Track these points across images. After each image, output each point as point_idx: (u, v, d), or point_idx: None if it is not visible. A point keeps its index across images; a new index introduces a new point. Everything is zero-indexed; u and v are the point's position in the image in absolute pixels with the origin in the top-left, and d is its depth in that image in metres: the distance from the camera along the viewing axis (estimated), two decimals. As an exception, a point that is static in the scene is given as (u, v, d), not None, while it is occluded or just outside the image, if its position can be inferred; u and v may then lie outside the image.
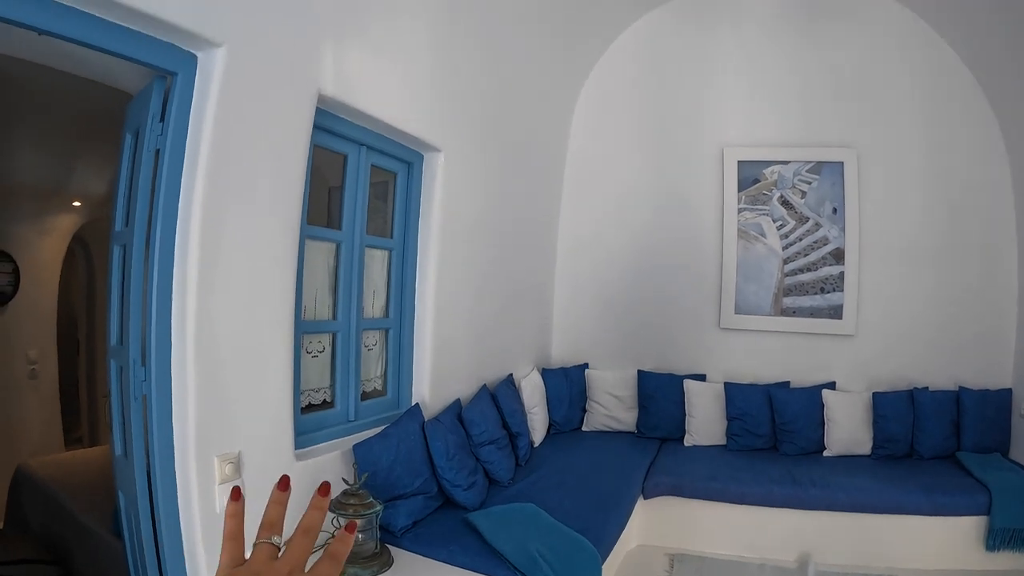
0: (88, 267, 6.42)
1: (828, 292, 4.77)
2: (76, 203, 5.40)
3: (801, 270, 4.83)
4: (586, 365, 5.10)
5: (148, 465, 2.08)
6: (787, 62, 4.95)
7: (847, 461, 4.24)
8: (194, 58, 2.08)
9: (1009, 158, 4.58)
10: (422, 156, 3.43)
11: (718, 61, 5.05)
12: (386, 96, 2.99)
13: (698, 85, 5.09)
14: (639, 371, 4.88)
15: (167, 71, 2.05)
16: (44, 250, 5.39)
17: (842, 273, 4.76)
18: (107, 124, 2.94)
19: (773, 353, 4.83)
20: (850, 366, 4.71)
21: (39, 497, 3.68)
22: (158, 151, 2.08)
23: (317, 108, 2.55)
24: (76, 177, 5.07)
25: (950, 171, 4.70)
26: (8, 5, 1.59)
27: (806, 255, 4.83)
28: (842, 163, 4.83)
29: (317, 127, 2.59)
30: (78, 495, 3.47)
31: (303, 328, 2.70)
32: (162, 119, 2.08)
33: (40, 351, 5.37)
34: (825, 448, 4.38)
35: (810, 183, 4.88)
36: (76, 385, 6.38)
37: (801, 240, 4.85)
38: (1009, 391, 4.39)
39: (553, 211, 5.21)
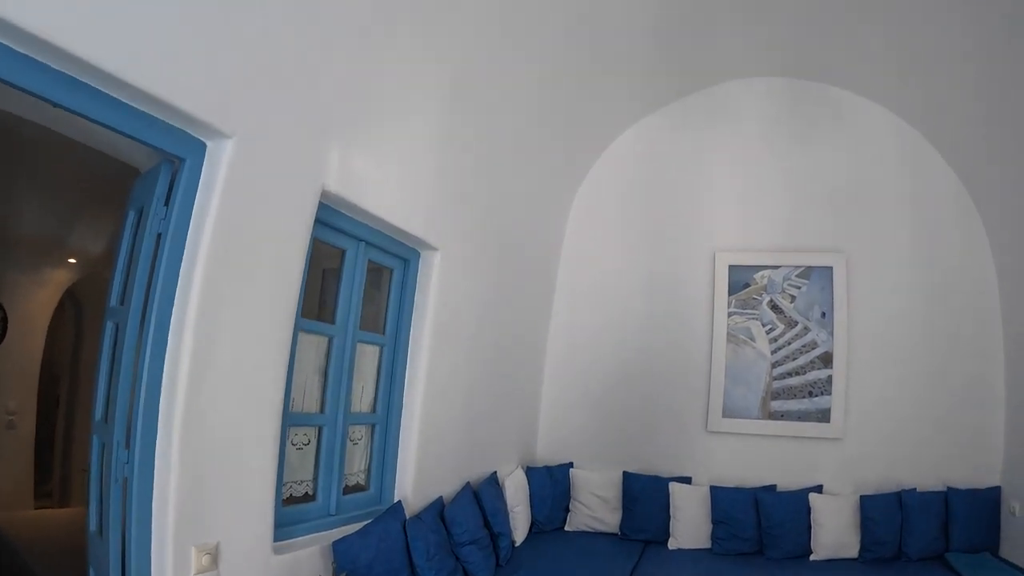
0: (77, 324, 6.52)
1: (816, 396, 4.87)
2: (72, 260, 5.56)
3: (789, 374, 4.94)
4: (571, 464, 5.14)
5: (123, 547, 2.11)
6: (779, 168, 5.20)
7: (834, 565, 4.24)
8: (203, 146, 2.22)
9: (994, 261, 4.78)
10: (419, 254, 3.61)
11: (712, 166, 5.31)
12: (388, 194, 3.17)
13: (692, 189, 5.33)
14: (624, 472, 4.92)
15: (176, 156, 2.17)
16: (35, 301, 5.51)
17: (830, 377, 4.87)
18: (112, 191, 3.08)
19: (760, 456, 4.89)
20: (837, 469, 4.76)
21: (4, 555, 3.69)
22: (160, 235, 2.18)
23: (320, 203, 2.71)
24: (75, 235, 5.24)
25: (937, 274, 4.88)
26: (25, 75, 1.68)
27: (794, 359, 4.95)
28: (831, 268, 5.01)
29: (318, 220, 2.75)
30: (45, 559, 3.48)
31: (290, 420, 2.79)
32: (167, 203, 2.19)
33: (20, 403, 5.42)
34: (812, 552, 4.38)
35: (799, 287, 5.04)
36: (52, 441, 6.39)
37: (790, 344, 4.98)
38: (998, 489, 4.44)
39: (545, 310, 5.36)
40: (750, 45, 4.91)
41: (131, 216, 2.38)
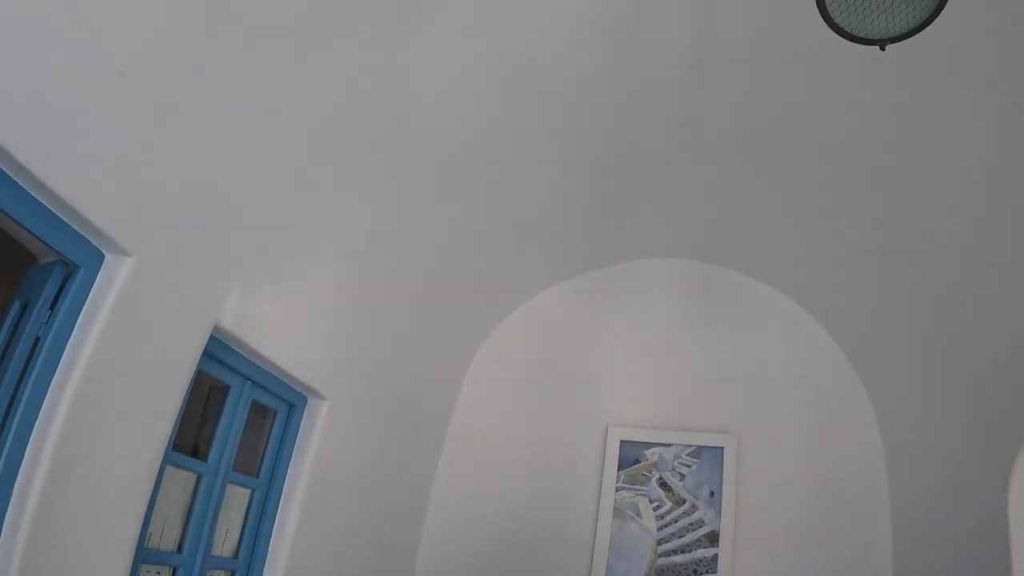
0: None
1: (701, 574, 5.01)
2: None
3: (675, 551, 5.08)
4: None
5: None
6: (676, 347, 5.61)
7: None
8: (101, 257, 2.28)
9: (883, 445, 5.17)
10: (306, 400, 3.76)
11: (611, 341, 5.68)
12: (283, 338, 3.34)
13: (589, 362, 5.65)
14: None
15: (71, 261, 2.20)
16: None
17: (716, 555, 5.03)
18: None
19: None
20: None
21: None
22: (38, 338, 2.16)
23: (212, 336, 2.88)
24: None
25: (828, 456, 5.22)
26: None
27: (680, 536, 5.11)
28: (722, 448, 5.32)
29: (207, 353, 2.90)
30: None
31: (144, 557, 2.81)
32: (52, 306, 2.19)
33: None
34: None
35: (690, 466, 5.30)
36: None
37: (677, 522, 5.16)
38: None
39: (429, 473, 5.42)
40: (658, 226, 5.45)
41: (15, 307, 2.32)
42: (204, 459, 3.19)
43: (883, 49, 2.39)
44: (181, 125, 2.43)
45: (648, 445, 5.36)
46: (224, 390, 3.29)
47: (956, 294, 4.46)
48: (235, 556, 3.41)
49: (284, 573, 3.52)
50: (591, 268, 5.90)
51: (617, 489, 5.25)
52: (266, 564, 3.50)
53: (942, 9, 2.27)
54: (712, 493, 5.22)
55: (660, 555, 5.08)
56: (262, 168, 2.91)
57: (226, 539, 3.36)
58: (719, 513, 5.15)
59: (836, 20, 2.33)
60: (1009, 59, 3.25)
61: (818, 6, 2.29)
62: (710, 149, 4.57)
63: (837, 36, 2.40)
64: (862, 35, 2.37)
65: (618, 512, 5.20)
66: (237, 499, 3.42)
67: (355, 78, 3.12)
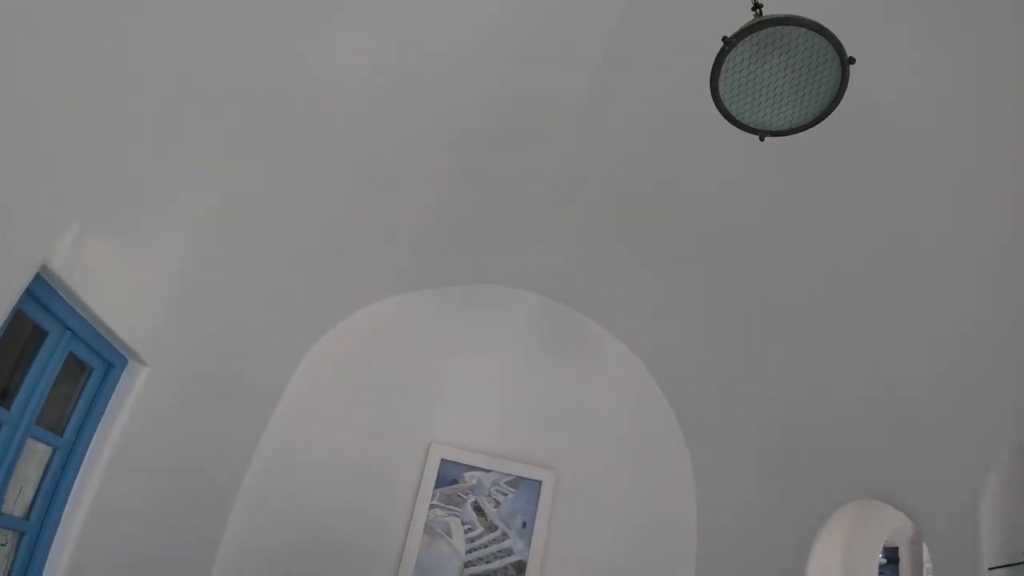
0: None
1: (504, 601, 5.20)
2: None
3: (481, 576, 5.25)
4: None
5: None
6: (513, 377, 5.91)
7: None
8: None
9: (697, 503, 5.79)
10: (127, 362, 3.61)
11: (449, 360, 5.87)
12: (115, 294, 3.20)
13: (423, 377, 5.78)
14: None
15: None
16: None
17: (521, 586, 5.26)
18: None
19: None
20: None
21: None
22: None
23: (37, 275, 2.75)
24: None
25: (644, 506, 5.72)
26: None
27: (488, 562, 5.28)
28: (540, 482, 5.59)
29: (30, 293, 2.77)
30: None
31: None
32: None
33: None
34: None
35: (506, 495, 5.52)
36: None
37: (486, 547, 5.33)
38: None
39: (243, 463, 5.26)
40: (518, 257, 5.77)
41: None
42: (8, 407, 3.01)
43: (762, 140, 2.70)
44: (41, 48, 2.33)
45: (468, 468, 5.53)
46: (43, 336, 3.14)
47: (791, 373, 5.12)
48: (26, 517, 3.18)
49: (75, 543, 3.31)
50: (442, 284, 6.09)
51: (431, 507, 5.35)
52: (58, 530, 3.29)
53: (822, 120, 2.63)
54: (525, 524, 5.45)
55: (467, 577, 5.23)
56: (124, 117, 2.85)
57: (19, 497, 3.14)
58: (528, 544, 5.38)
59: (725, 103, 2.59)
60: (868, 173, 3.90)
61: (711, 87, 2.54)
62: (586, 197, 4.98)
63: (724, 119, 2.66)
64: (746, 123, 2.64)
65: (429, 529, 5.29)
66: (37, 456, 3.22)
67: (240, 52, 3.17)
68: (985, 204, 3.60)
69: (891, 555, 8.33)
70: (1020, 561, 3.83)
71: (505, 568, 5.29)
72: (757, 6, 2.50)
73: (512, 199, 5.07)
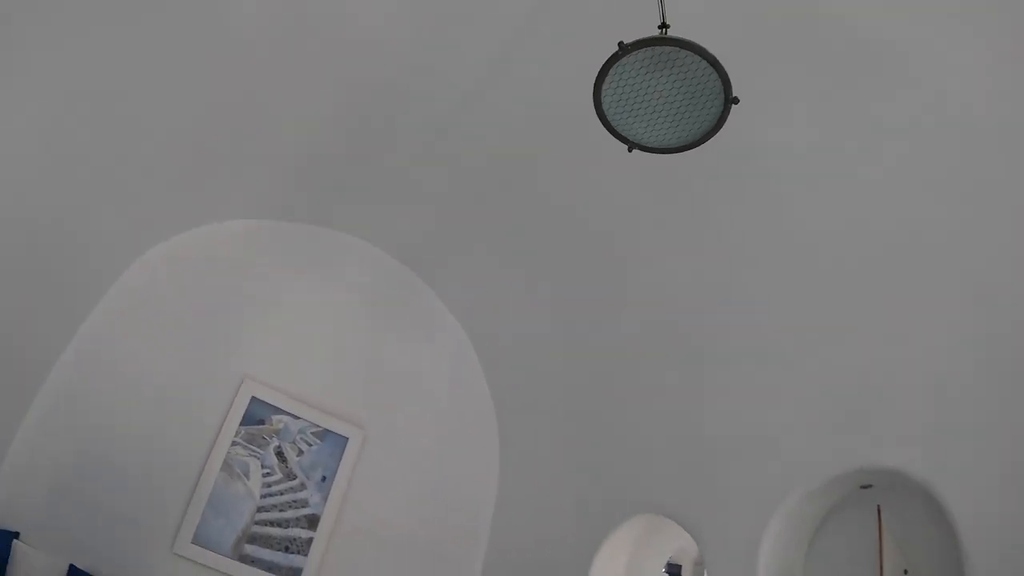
0: None
1: (292, 553, 5.15)
2: None
3: (273, 523, 5.17)
4: (17, 534, 4.49)
5: None
6: (344, 329, 5.89)
7: None
8: None
9: (497, 492, 6.02)
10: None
11: (282, 299, 5.74)
12: None
13: (247, 310, 5.59)
14: (73, 567, 4.43)
15: None
16: None
17: (311, 539, 5.23)
18: None
19: None
20: None
21: None
22: None
23: None
24: None
25: (447, 476, 5.91)
26: None
27: (281, 511, 5.23)
28: (347, 439, 5.59)
29: None
30: None
31: None
32: None
33: None
34: None
35: (311, 445, 5.48)
36: None
37: (282, 495, 5.27)
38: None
39: (44, 368, 4.84)
40: (373, 212, 5.78)
41: None
42: None
43: (630, 151, 2.79)
44: None
45: (278, 411, 5.45)
46: None
47: (606, 385, 5.44)
48: None
49: None
50: (294, 220, 5.89)
51: (233, 443, 5.23)
52: None
53: (692, 147, 2.74)
54: (324, 478, 5.45)
55: (257, 522, 5.14)
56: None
57: None
58: (325, 499, 5.38)
59: (604, 107, 2.65)
60: (723, 209, 4.23)
61: (595, 87, 2.59)
62: (454, 175, 5.07)
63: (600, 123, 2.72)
64: (620, 130, 2.71)
65: (227, 467, 5.17)
66: None
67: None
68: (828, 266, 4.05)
69: (675, 571, 8.86)
70: None
71: (298, 519, 5.26)
72: (664, 26, 2.57)
73: (384, 157, 5.08)
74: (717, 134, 2.68)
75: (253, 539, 5.10)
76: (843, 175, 3.92)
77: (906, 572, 4.17)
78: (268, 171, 5.24)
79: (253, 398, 5.38)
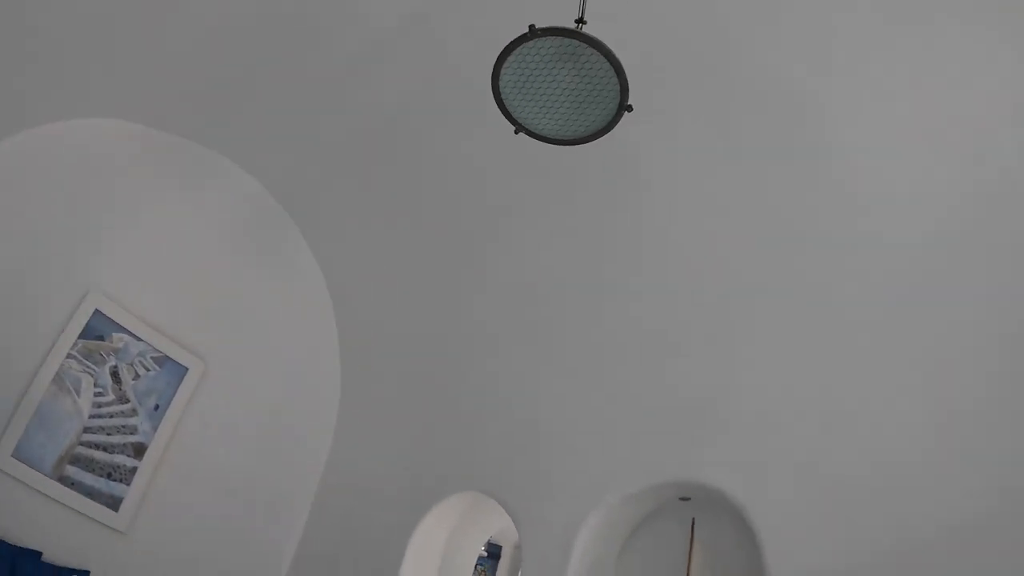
0: None
1: (115, 480, 5.06)
2: None
3: (97, 446, 5.05)
4: None
5: None
6: (199, 254, 5.75)
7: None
8: None
9: (336, 428, 6.13)
10: None
11: (137, 210, 5.47)
12: None
13: (100, 217, 5.32)
14: None
15: None
16: None
17: (136, 468, 5.16)
18: None
19: (46, 515, 4.79)
20: (111, 560, 4.98)
21: None
22: None
23: None
24: None
25: (284, 417, 6.01)
26: None
27: (109, 434, 5.11)
28: (187, 369, 5.53)
29: None
30: None
31: None
32: None
33: None
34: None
35: (149, 371, 5.36)
36: None
37: (111, 418, 5.14)
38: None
39: None
40: (249, 137, 5.57)
41: None
42: None
43: (516, 133, 2.93)
44: None
45: (120, 328, 5.29)
46: None
47: (446, 359, 5.66)
48: None
49: None
50: (160, 128, 5.49)
51: (69, 355, 5.02)
52: None
53: (577, 143, 2.92)
54: (157, 407, 5.38)
55: (82, 443, 5.01)
56: None
57: None
58: (155, 429, 5.32)
59: (501, 84, 2.73)
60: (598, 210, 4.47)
61: (497, 62, 2.67)
62: (339, 117, 5.10)
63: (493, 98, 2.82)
64: (510, 110, 2.83)
65: (59, 379, 4.96)
66: None
67: None
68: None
69: (495, 551, 9.19)
70: None
71: (124, 446, 5.16)
72: (581, 21, 2.71)
73: (282, 91, 5.03)
74: (604, 137, 2.88)
75: (76, 460, 4.96)
76: (711, 195, 4.29)
77: (713, 582, 4.58)
78: (152, 74, 4.97)
79: (96, 311, 5.16)
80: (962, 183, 3.77)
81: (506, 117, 2.90)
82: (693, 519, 4.71)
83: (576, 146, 3.02)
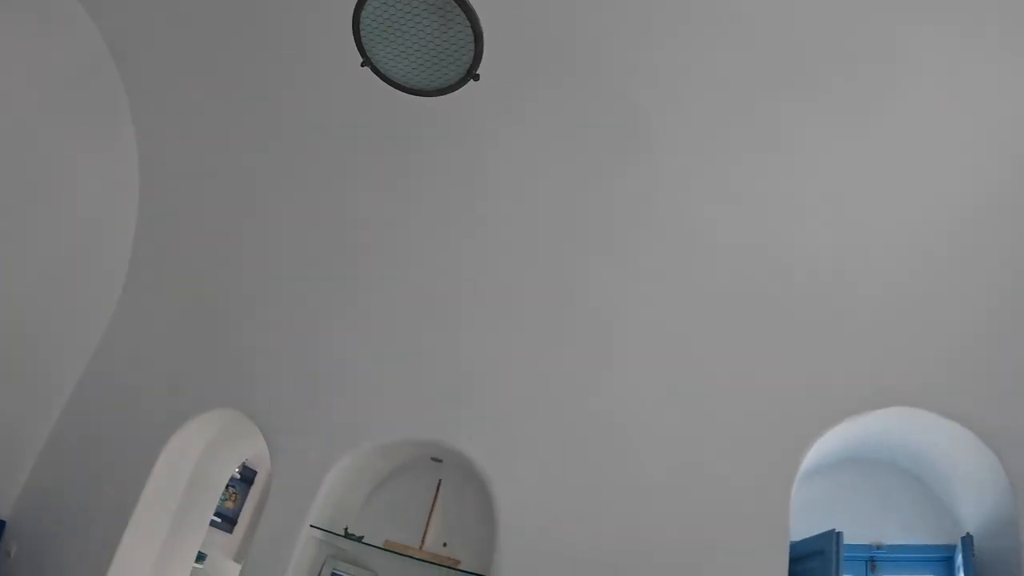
0: None
1: None
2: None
3: None
4: None
5: None
6: (23, 111, 5.20)
7: None
8: None
9: (111, 320, 5.84)
10: None
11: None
12: None
13: None
14: None
15: None
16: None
17: None
18: None
19: None
20: None
21: None
22: None
23: None
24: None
25: (63, 302, 5.68)
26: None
27: None
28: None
29: None
30: None
31: None
32: None
33: None
34: None
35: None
36: None
37: None
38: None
39: None
40: None
41: None
42: None
43: (362, 66, 2.95)
44: None
45: None
46: None
47: (237, 278, 5.65)
48: None
49: None
50: None
51: None
52: None
53: (416, 95, 2.99)
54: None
55: None
56: None
57: None
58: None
59: (362, 16, 2.75)
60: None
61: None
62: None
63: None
64: (363, 42, 2.86)
65: None
66: None
67: None
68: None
69: (249, 475, 9.13)
70: (337, 532, 4.76)
71: None
72: None
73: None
74: (445, 97, 3.03)
75: None
76: (532, 191, 4.49)
77: (445, 545, 4.84)
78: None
79: None
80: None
81: (358, 48, 2.91)
82: (440, 481, 4.95)
83: (415, 97, 3.08)
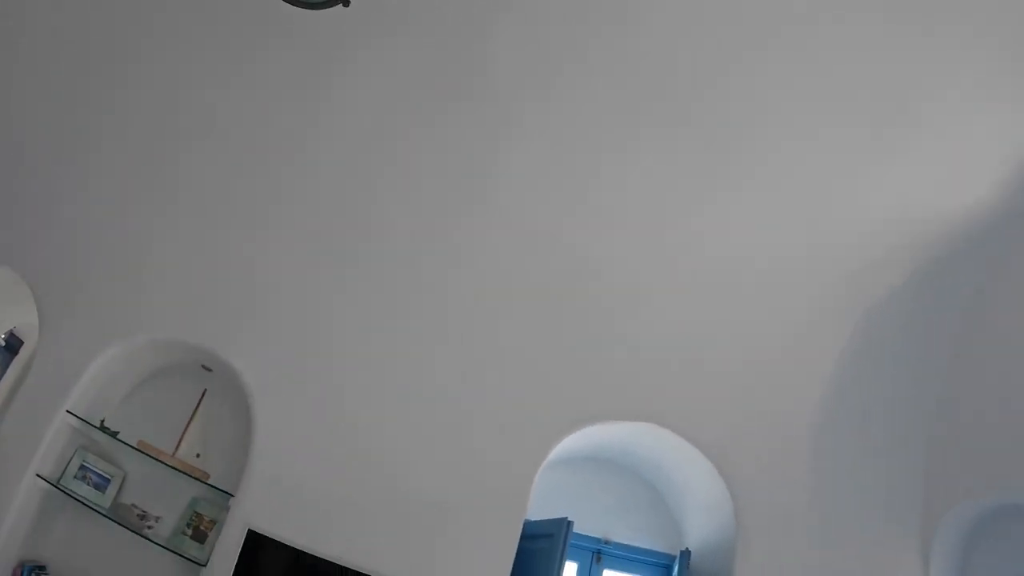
0: None
1: None
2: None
3: None
4: None
5: None
6: None
7: None
8: None
9: None
10: None
11: None
12: None
13: None
14: None
15: None
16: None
17: None
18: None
19: None
20: None
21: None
22: None
23: None
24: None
25: None
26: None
27: None
28: None
29: None
30: None
31: None
32: None
33: None
34: None
35: None
36: None
37: None
38: None
39: None
40: None
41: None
42: None
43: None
44: None
45: None
46: None
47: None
48: None
49: None
50: None
51: None
52: None
53: (298, 6, 3.00)
54: None
55: None
56: None
57: None
58: None
59: None
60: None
61: None
62: None
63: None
64: None
65: None
66: None
67: None
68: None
69: (14, 344, 8.71)
70: (93, 423, 4.70)
71: None
72: None
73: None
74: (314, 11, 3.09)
75: None
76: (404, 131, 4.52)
77: (198, 456, 4.90)
78: None
79: None
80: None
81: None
82: (205, 390, 5.00)
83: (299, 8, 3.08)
